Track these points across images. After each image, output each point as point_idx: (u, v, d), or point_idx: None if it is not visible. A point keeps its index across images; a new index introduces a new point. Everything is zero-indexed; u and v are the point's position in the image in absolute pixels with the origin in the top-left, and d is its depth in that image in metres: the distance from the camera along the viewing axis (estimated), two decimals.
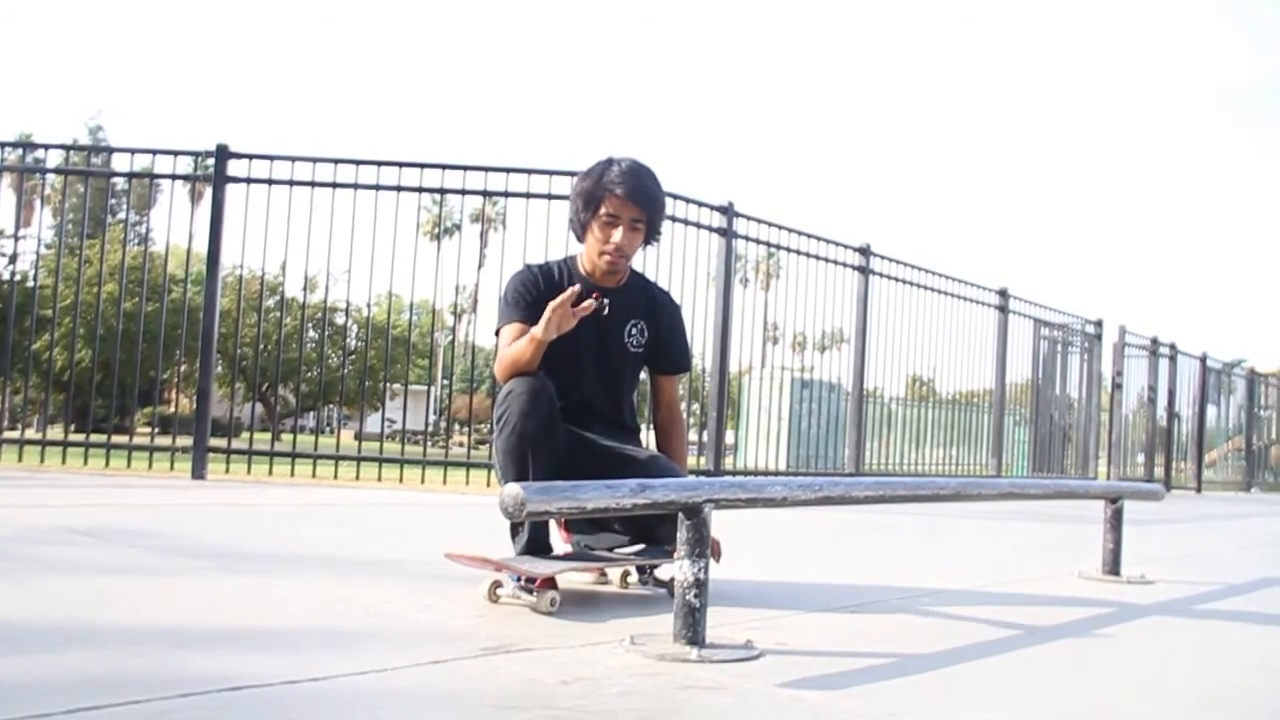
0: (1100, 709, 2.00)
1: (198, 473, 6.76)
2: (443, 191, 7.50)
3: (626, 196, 2.78)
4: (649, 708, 1.75)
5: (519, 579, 2.58)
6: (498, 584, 2.62)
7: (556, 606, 2.50)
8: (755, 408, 11.97)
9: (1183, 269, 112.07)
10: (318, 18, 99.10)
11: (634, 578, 3.03)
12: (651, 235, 2.90)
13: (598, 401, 2.91)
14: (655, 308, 3.00)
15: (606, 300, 2.79)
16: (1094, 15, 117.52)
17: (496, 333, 2.90)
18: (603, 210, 2.80)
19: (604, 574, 3.04)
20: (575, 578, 2.98)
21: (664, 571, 2.96)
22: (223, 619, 2.31)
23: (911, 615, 2.91)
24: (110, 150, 8.41)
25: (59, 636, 2.03)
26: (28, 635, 2.04)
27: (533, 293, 2.83)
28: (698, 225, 8.06)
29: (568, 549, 2.94)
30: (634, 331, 2.94)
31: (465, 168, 7.23)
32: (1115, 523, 3.86)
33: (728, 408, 8.80)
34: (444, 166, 7.23)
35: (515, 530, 2.73)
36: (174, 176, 7.33)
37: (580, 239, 2.91)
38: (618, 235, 2.81)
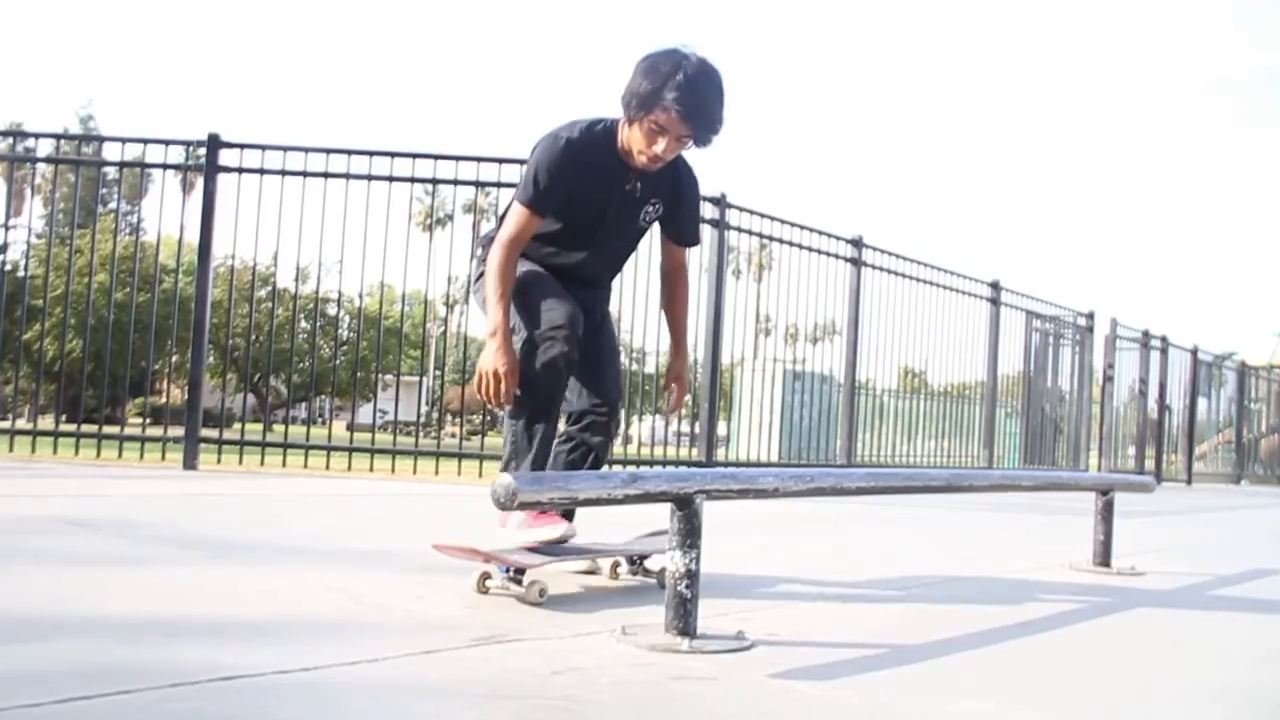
0: (1089, 698, 2.01)
1: (189, 463, 6.74)
2: (435, 182, 7.46)
3: (682, 118, 2.61)
4: (640, 698, 1.75)
5: (508, 570, 2.58)
6: (487, 575, 2.62)
7: (546, 597, 2.50)
8: (747, 399, 11.97)
9: (1175, 262, 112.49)
10: (310, 6, 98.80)
11: (624, 568, 3.03)
12: (699, 146, 2.74)
13: (595, 270, 2.96)
14: (679, 186, 2.90)
15: (639, 184, 2.79)
16: (1088, 7, 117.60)
17: (511, 202, 2.81)
18: (653, 117, 2.62)
19: (594, 564, 3.04)
20: (565, 568, 2.98)
21: (654, 562, 2.96)
22: (214, 609, 2.31)
23: (903, 606, 2.92)
24: (101, 139, 8.38)
25: (50, 626, 2.03)
26: (19, 625, 2.04)
27: (559, 180, 2.71)
28: None
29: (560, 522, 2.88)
30: (650, 210, 2.88)
31: (457, 158, 7.20)
32: (1106, 514, 3.88)
33: (720, 399, 8.81)
34: (436, 156, 7.20)
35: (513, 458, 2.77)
36: (165, 166, 7.29)
37: (626, 121, 2.72)
38: (660, 146, 2.67)
